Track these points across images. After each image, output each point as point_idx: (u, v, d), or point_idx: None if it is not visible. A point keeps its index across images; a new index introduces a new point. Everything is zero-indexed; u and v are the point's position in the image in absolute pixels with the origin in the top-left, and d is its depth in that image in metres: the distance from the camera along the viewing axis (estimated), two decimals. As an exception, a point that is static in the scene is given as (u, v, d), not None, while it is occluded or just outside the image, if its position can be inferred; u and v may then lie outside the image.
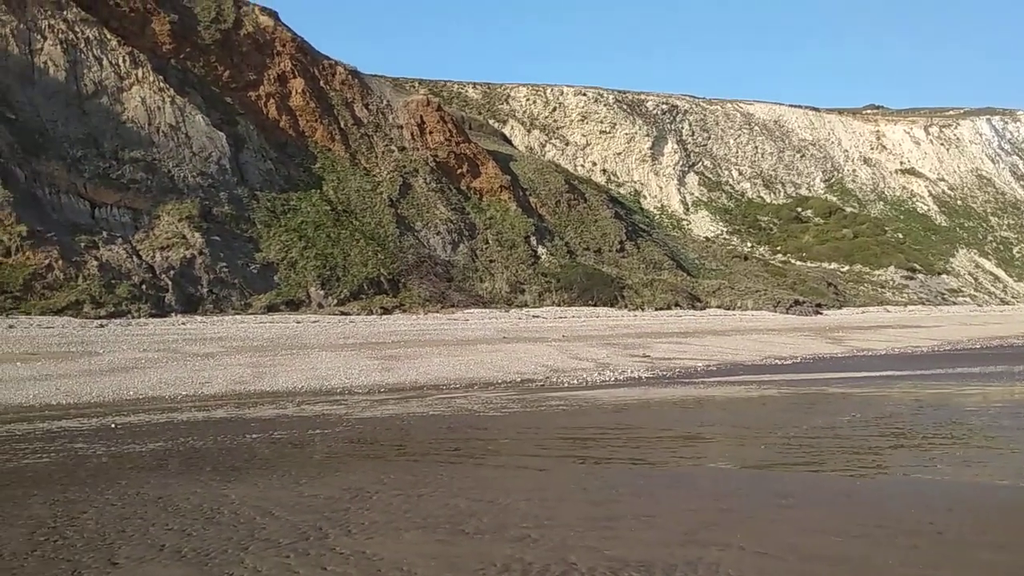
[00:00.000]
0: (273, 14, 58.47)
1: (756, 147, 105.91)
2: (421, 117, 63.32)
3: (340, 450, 11.34)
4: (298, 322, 37.45)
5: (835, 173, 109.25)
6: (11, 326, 29.89)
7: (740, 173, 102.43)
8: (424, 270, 50.15)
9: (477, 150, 65.02)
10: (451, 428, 13.08)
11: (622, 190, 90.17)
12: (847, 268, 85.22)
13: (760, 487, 8.78)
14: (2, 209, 35.18)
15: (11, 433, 12.38)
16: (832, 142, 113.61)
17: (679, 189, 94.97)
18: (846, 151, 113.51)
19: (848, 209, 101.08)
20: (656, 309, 56.01)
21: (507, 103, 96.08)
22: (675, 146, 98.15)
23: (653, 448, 11.38)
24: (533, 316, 47.26)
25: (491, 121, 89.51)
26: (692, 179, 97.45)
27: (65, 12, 44.64)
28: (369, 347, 28.22)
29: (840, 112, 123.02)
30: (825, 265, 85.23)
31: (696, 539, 6.53)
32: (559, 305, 53.01)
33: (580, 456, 10.67)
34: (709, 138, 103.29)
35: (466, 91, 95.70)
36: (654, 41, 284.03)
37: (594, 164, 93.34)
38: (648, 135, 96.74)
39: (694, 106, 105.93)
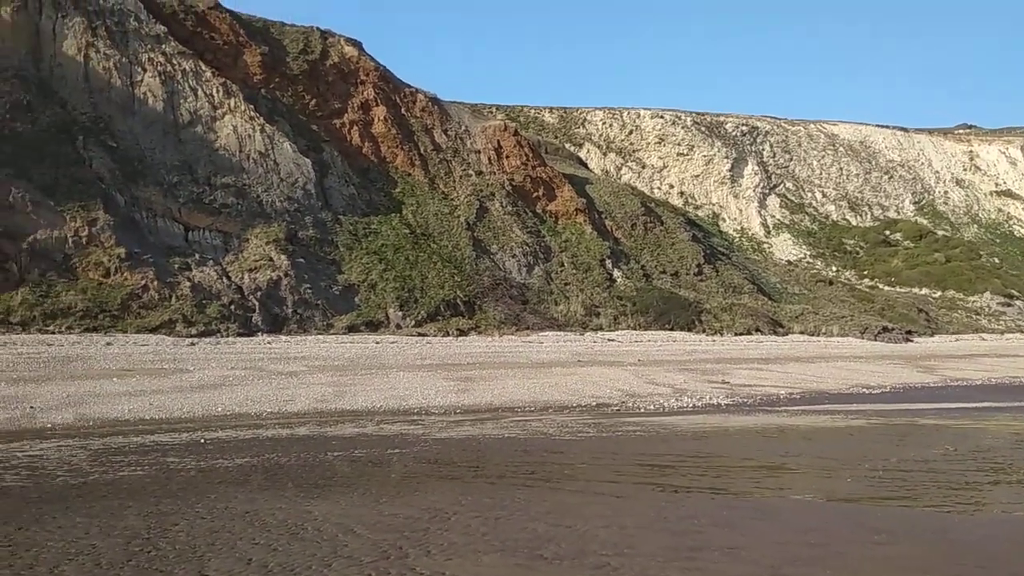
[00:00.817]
0: (357, 44, 60.45)
1: (841, 168, 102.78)
2: (498, 142, 64.09)
3: (418, 470, 11.46)
4: (377, 343, 38.18)
5: (925, 195, 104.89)
6: (109, 343, 31.49)
7: (824, 195, 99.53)
8: (499, 292, 50.46)
9: (553, 173, 65.32)
10: (527, 451, 13.06)
11: (700, 212, 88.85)
12: (939, 294, 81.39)
13: (850, 521, 8.42)
14: (103, 232, 37.26)
15: (107, 446, 13.00)
16: (922, 163, 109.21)
17: (760, 211, 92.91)
18: (937, 172, 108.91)
19: (940, 232, 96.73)
20: (735, 334, 54.70)
21: (583, 127, 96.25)
22: (755, 168, 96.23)
23: (734, 478, 11.08)
24: (608, 340, 46.85)
25: (567, 145, 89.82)
26: (773, 201, 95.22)
27: (164, 46, 47.28)
28: (445, 368, 28.51)
29: (930, 132, 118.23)
30: (915, 291, 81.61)
31: (783, 574, 6.31)
32: (635, 329, 52.41)
33: (659, 484, 10.48)
34: (791, 159, 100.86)
35: (542, 115, 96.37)
36: (733, 62, 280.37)
37: (671, 187, 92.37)
38: (727, 157, 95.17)
39: (775, 127, 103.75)
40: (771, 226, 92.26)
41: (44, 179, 37.75)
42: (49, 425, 15.00)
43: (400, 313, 43.83)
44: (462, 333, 43.87)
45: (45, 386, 19.96)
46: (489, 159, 62.41)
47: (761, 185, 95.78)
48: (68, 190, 37.89)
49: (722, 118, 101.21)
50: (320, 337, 38.51)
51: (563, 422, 16.73)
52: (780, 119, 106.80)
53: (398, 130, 58.23)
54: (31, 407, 16.71)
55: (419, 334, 41.96)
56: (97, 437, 13.85)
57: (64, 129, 40.94)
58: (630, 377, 27.32)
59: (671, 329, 53.20)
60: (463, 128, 64.12)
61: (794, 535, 7.62)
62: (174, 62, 47.01)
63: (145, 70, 45.69)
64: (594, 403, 20.56)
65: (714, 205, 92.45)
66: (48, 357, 26.50)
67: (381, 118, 57.50)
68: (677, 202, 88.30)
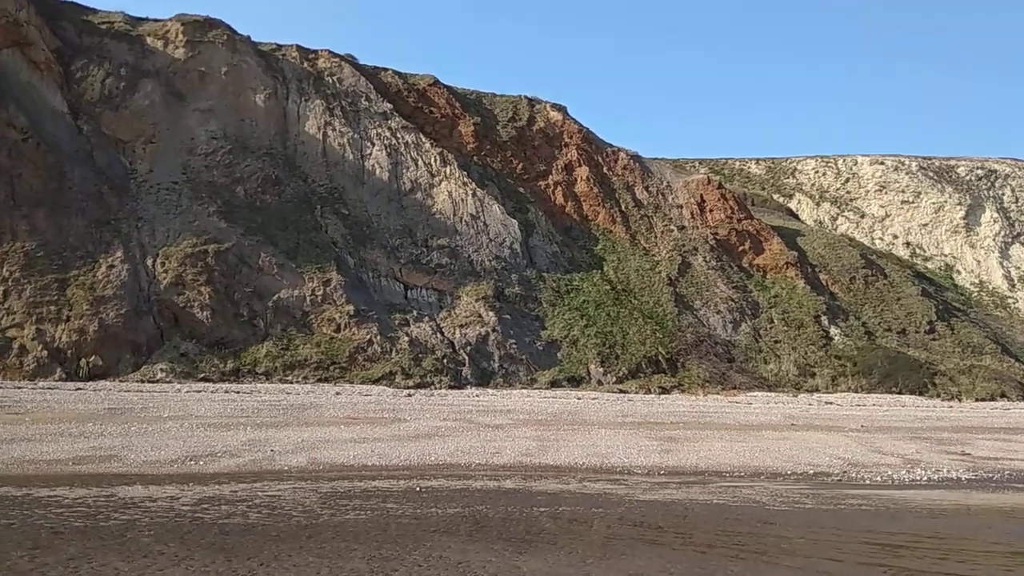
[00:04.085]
0: (562, 109, 62.77)
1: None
2: (701, 196, 63.11)
3: (622, 532, 11.29)
4: (579, 398, 38.40)
5: None
6: (337, 393, 34.38)
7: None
8: (703, 350, 49.00)
9: (760, 226, 62.99)
10: (738, 520, 12.43)
11: (930, 265, 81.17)
12: None
13: None
14: (336, 291, 41.08)
15: (335, 490, 14.07)
16: None
17: (1001, 263, 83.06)
18: None
19: None
20: (976, 399, 48.87)
21: (793, 176, 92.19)
22: (995, 214, 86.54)
23: (980, 564, 9.83)
24: (826, 402, 43.69)
25: (776, 196, 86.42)
26: (1018, 251, 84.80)
27: (390, 121, 52.09)
28: (647, 426, 27.99)
29: None
30: None
31: None
32: (856, 391, 48.50)
33: (889, 566, 9.54)
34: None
35: (748, 167, 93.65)
36: (963, 98, 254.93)
37: (895, 237, 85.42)
38: (960, 203, 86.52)
39: (1016, 169, 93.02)
40: (1016, 279, 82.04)
41: (287, 244, 42.55)
42: (286, 467, 16.54)
43: (601, 369, 43.88)
44: (664, 391, 42.99)
45: (283, 431, 22.11)
46: (692, 213, 61.55)
47: (1002, 233, 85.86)
48: (307, 254, 42.39)
49: (952, 162, 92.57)
50: (524, 391, 39.45)
51: (776, 490, 15.76)
52: (1022, 160, 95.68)
53: (600, 188, 59.26)
54: (271, 450, 18.56)
55: (620, 390, 41.69)
56: (326, 480, 15.07)
57: (305, 200, 46.06)
58: (852, 444, 25.20)
59: (899, 392, 48.67)
60: (664, 184, 63.92)
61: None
62: (398, 136, 51.57)
63: (373, 144, 50.50)
64: (811, 471, 19.17)
65: (946, 256, 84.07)
66: (286, 405, 29.39)
67: (583, 178, 58.91)
68: (902, 253, 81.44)
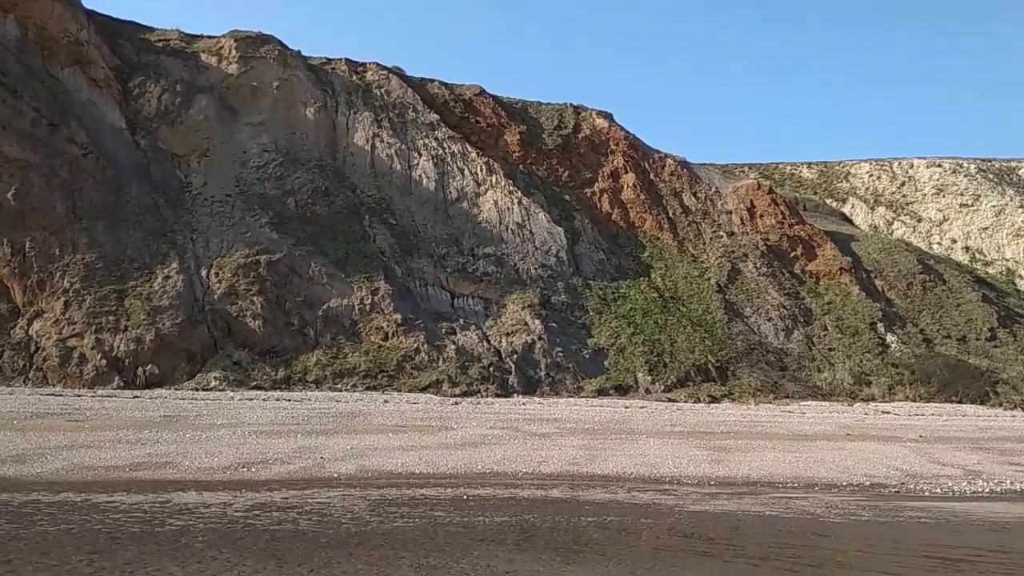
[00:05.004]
0: (608, 116, 62.52)
1: None
2: (751, 201, 62.15)
3: (672, 543, 11.12)
4: (626, 407, 38.05)
5: None
6: (386, 401, 34.67)
7: None
8: (754, 358, 48.13)
9: (812, 231, 61.73)
10: (791, 532, 12.14)
11: (990, 270, 78.48)
12: None
13: None
14: (383, 300, 41.51)
15: (384, 497, 14.18)
16: None
17: (1068, 267, 79.88)
18: None
19: None
20: (1042, 409, 47.01)
21: (846, 180, 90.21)
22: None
23: (1050, 582, 9.40)
24: (882, 412, 42.49)
25: (828, 200, 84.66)
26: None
27: (436, 132, 52.57)
28: (697, 436, 27.57)
29: None
30: None
31: None
32: (914, 400, 47.07)
33: (951, 581, 9.20)
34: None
35: (800, 171, 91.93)
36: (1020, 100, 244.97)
37: (953, 241, 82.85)
38: (1022, 206, 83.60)
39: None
40: (1084, 283, 78.76)
41: (337, 254, 43.16)
42: (335, 475, 16.72)
43: (649, 377, 43.42)
44: (714, 400, 42.34)
45: (333, 439, 22.37)
46: (741, 219, 60.65)
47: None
48: (356, 263, 42.94)
49: (1014, 163, 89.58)
50: (571, 400, 39.25)
51: (831, 502, 15.37)
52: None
53: (647, 195, 58.80)
54: (321, 457, 18.79)
55: (668, 399, 41.19)
56: (375, 488, 15.19)
57: (354, 210, 46.71)
58: (910, 455, 24.45)
59: (959, 401, 47.10)
60: (713, 189, 63.14)
61: None
62: (445, 146, 52.02)
63: (420, 154, 51.02)
64: (867, 482, 18.64)
65: (1008, 261, 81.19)
66: (336, 412, 29.74)
67: (630, 184, 58.53)
68: (961, 258, 78.94)
